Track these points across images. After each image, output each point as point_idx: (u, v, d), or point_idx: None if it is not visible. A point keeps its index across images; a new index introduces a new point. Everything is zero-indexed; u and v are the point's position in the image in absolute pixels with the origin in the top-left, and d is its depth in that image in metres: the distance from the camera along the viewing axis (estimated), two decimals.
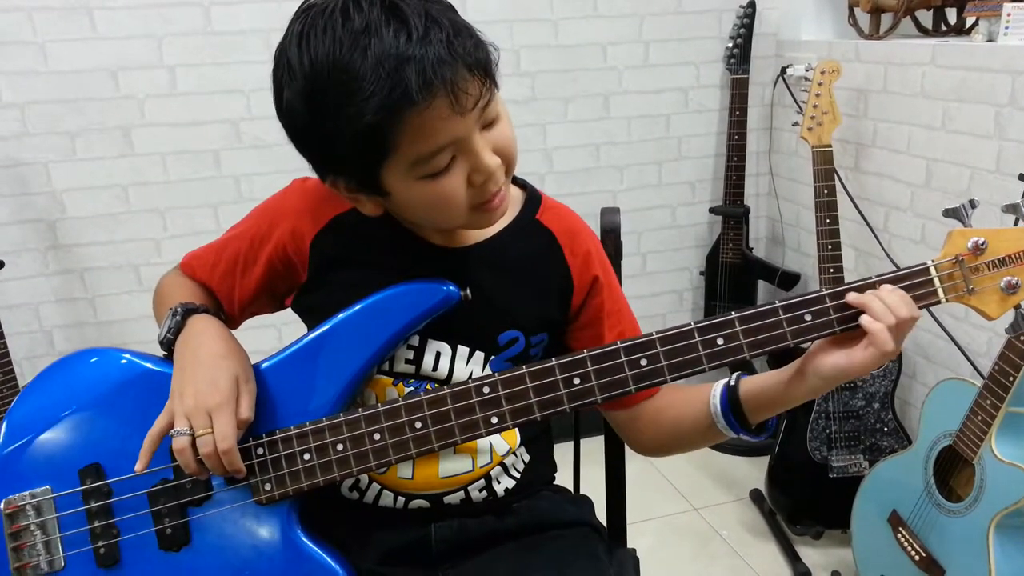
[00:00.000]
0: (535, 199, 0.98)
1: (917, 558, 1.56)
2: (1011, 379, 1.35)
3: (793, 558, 1.98)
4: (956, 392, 1.49)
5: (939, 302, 0.80)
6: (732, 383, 0.89)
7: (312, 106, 0.77)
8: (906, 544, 1.59)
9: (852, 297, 0.79)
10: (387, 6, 0.74)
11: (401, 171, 0.80)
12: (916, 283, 0.80)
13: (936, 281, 0.80)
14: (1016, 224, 0.83)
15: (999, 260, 0.80)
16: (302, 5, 0.79)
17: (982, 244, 0.79)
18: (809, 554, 2.00)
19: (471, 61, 0.76)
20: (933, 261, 0.80)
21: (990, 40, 1.79)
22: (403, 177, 0.81)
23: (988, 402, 1.39)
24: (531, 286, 0.95)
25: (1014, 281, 0.79)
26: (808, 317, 0.81)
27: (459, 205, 0.83)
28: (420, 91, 0.73)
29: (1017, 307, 0.81)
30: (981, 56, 1.74)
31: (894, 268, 1.97)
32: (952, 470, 1.52)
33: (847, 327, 0.80)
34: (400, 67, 0.73)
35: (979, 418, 1.41)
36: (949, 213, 0.82)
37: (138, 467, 0.84)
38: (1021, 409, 1.38)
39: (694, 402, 0.92)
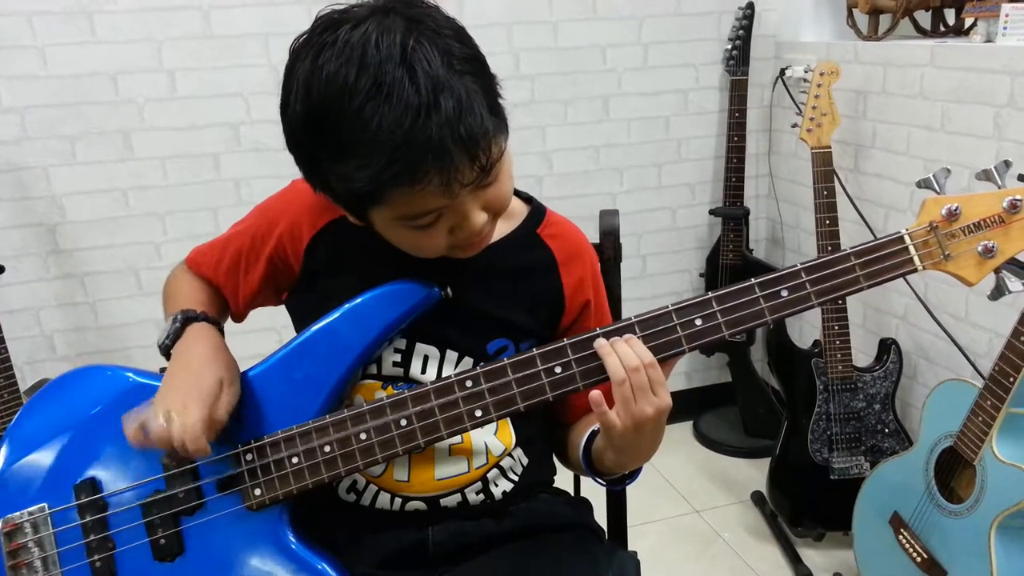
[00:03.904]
0: (539, 212, 0.99)
1: (919, 560, 1.55)
2: (1012, 380, 1.34)
3: (795, 560, 1.98)
4: (957, 393, 1.49)
5: (916, 270, 0.81)
6: (597, 428, 0.90)
7: (311, 140, 0.78)
8: (908, 546, 1.59)
9: (597, 344, 0.82)
10: (405, 60, 0.72)
11: (386, 217, 0.82)
12: (891, 252, 0.80)
13: (911, 249, 0.80)
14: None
15: (974, 225, 0.80)
16: (331, 14, 0.78)
17: (956, 210, 0.80)
18: (811, 556, 2.00)
19: (472, 147, 0.74)
20: (907, 229, 0.81)
21: (989, 41, 1.79)
22: (387, 221, 0.82)
23: (989, 403, 1.39)
24: (523, 298, 0.96)
25: (990, 245, 0.79)
26: (784, 293, 0.81)
27: (438, 248, 0.85)
28: (413, 176, 0.73)
29: (998, 271, 0.80)
30: (980, 57, 1.74)
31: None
32: (953, 471, 1.52)
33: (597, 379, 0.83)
34: (399, 147, 0.72)
35: (980, 419, 1.41)
36: (922, 184, 0.83)
37: (132, 443, 0.84)
38: (1022, 410, 1.38)
39: (582, 434, 0.95)
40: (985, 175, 0.82)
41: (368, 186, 0.75)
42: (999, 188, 0.81)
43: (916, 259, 0.80)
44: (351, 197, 0.79)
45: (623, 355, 0.80)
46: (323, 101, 0.74)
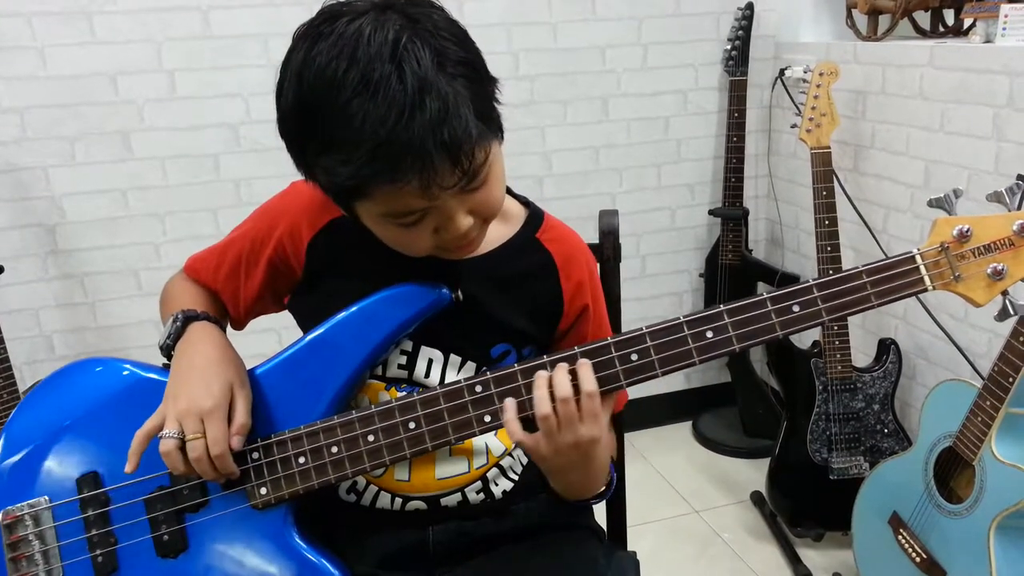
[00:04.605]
0: (537, 217, 0.99)
1: (918, 560, 1.56)
2: (1011, 380, 1.35)
3: (794, 560, 1.98)
4: (956, 393, 1.49)
5: (926, 289, 0.81)
6: None
7: (299, 129, 0.78)
8: (907, 546, 1.59)
9: (538, 374, 0.82)
10: (395, 58, 0.72)
11: (371, 212, 0.82)
12: (902, 271, 0.81)
13: (922, 269, 0.81)
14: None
15: (984, 247, 0.80)
16: (334, 5, 0.78)
17: (967, 231, 0.80)
18: (810, 556, 2.00)
19: (454, 151, 0.74)
20: (919, 249, 0.81)
21: (988, 41, 1.79)
22: (372, 216, 0.82)
23: (988, 403, 1.39)
24: (523, 303, 0.95)
25: (999, 267, 0.80)
26: (796, 308, 0.81)
27: (423, 247, 0.84)
28: (393, 175, 0.73)
29: (1005, 293, 0.81)
30: (979, 57, 1.74)
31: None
32: (952, 471, 1.52)
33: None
34: (380, 145, 0.72)
35: (979, 419, 1.41)
36: (934, 203, 0.83)
37: (128, 468, 0.85)
38: (1021, 410, 1.38)
39: None
40: (996, 197, 0.82)
41: (349, 181, 0.75)
42: (1009, 210, 0.81)
43: (927, 279, 0.81)
44: (336, 190, 0.80)
45: (557, 384, 0.80)
46: (312, 92, 0.75)
